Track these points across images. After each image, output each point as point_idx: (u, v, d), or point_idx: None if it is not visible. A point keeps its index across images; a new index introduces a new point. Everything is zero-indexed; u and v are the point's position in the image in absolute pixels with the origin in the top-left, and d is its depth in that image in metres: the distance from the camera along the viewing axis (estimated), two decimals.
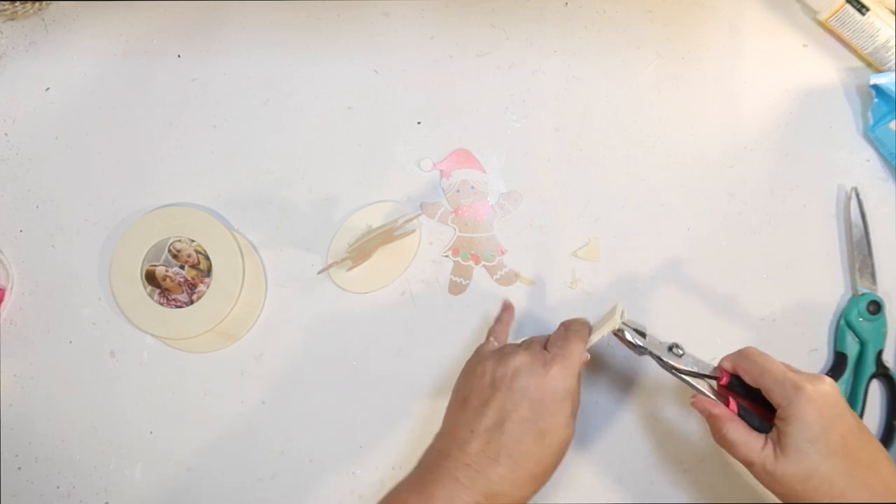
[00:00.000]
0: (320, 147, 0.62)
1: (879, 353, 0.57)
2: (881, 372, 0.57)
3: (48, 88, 0.64)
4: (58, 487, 0.60)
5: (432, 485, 0.43)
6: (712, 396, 0.47)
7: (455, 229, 0.61)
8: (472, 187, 0.61)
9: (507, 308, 0.58)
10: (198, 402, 0.60)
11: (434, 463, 0.45)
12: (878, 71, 0.60)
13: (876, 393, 0.58)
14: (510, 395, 0.45)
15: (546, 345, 0.49)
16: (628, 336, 0.49)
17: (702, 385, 0.48)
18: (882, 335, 0.57)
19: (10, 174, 0.63)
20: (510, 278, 0.60)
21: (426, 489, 0.43)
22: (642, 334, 0.49)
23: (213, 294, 0.60)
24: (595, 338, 0.49)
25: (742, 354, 0.47)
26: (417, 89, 0.63)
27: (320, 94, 0.63)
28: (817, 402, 0.42)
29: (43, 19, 0.65)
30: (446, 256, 0.60)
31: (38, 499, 0.60)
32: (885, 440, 0.57)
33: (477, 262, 0.60)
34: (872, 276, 0.58)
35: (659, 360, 0.49)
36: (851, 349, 0.57)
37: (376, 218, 0.60)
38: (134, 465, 0.60)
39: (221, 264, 0.60)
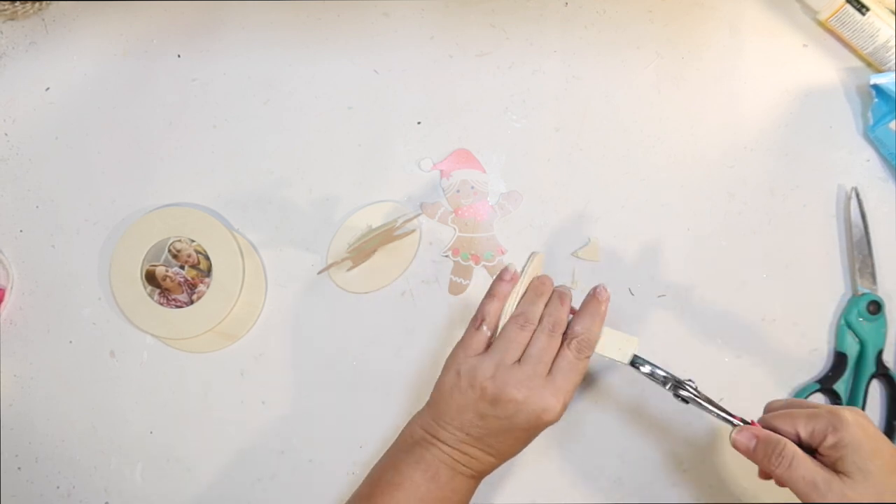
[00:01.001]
0: (320, 147, 0.62)
1: (879, 353, 0.57)
2: (881, 372, 0.57)
3: (48, 88, 0.64)
4: (58, 487, 0.60)
5: (436, 465, 0.48)
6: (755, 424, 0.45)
7: (455, 229, 0.61)
8: (472, 187, 0.61)
9: (506, 277, 0.51)
10: (198, 402, 0.60)
11: (430, 443, 0.49)
12: (878, 71, 0.60)
13: (876, 393, 0.58)
14: (501, 423, 0.47)
15: (551, 364, 0.48)
16: (644, 370, 0.48)
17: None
18: (882, 335, 0.57)
19: (10, 174, 0.63)
20: None
21: (430, 469, 0.48)
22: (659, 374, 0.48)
23: (213, 294, 0.60)
24: (598, 350, 0.49)
25: (773, 417, 0.46)
26: (417, 89, 0.63)
27: (320, 94, 0.63)
28: (860, 423, 0.42)
29: (43, 19, 0.65)
30: (446, 256, 0.60)
31: (38, 499, 0.60)
32: None
33: (477, 262, 0.60)
34: (872, 276, 0.57)
35: (687, 395, 0.47)
36: (851, 349, 0.57)
37: (376, 218, 0.60)
38: (134, 465, 0.60)
39: (221, 264, 0.60)
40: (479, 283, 0.60)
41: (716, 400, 0.47)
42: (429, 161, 0.61)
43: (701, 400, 0.47)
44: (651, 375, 0.48)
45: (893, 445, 0.43)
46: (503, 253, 0.60)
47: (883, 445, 0.42)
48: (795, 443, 0.43)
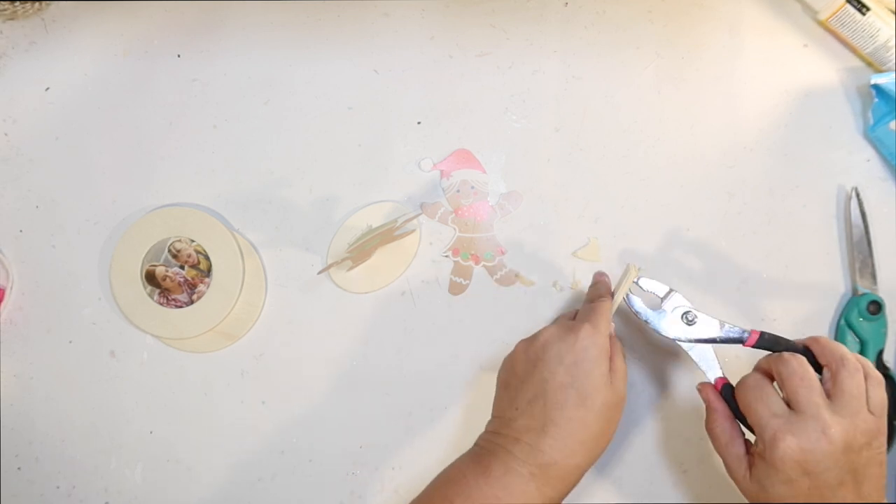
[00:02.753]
0: (320, 147, 0.62)
1: (880, 354, 0.57)
2: (881, 372, 0.57)
3: (48, 88, 0.64)
4: (58, 487, 0.60)
5: (488, 458, 0.46)
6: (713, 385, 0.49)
7: (455, 229, 0.61)
8: (473, 187, 0.61)
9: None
10: (198, 402, 0.60)
11: (487, 440, 0.48)
12: (878, 71, 0.60)
13: None
14: (545, 366, 0.46)
15: (574, 316, 0.51)
16: (635, 307, 0.51)
17: (711, 360, 0.49)
18: (882, 335, 0.57)
19: (10, 174, 0.63)
20: (510, 278, 0.60)
21: (482, 462, 0.46)
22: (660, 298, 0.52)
23: (213, 294, 0.60)
24: (618, 298, 0.51)
25: (739, 384, 0.47)
26: (417, 89, 0.63)
27: (320, 94, 0.63)
28: (791, 459, 0.41)
29: (43, 19, 0.65)
30: (446, 256, 0.60)
31: (38, 499, 0.60)
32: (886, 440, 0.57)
33: (477, 262, 0.60)
34: (872, 276, 0.58)
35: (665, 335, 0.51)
36: (852, 349, 0.57)
37: (376, 218, 0.60)
38: (134, 465, 0.60)
39: (221, 264, 0.60)
40: (480, 283, 0.60)
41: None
42: (429, 161, 0.61)
43: (697, 338, 0.50)
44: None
45: (826, 480, 0.41)
46: (503, 253, 0.60)
47: (804, 481, 0.42)
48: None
